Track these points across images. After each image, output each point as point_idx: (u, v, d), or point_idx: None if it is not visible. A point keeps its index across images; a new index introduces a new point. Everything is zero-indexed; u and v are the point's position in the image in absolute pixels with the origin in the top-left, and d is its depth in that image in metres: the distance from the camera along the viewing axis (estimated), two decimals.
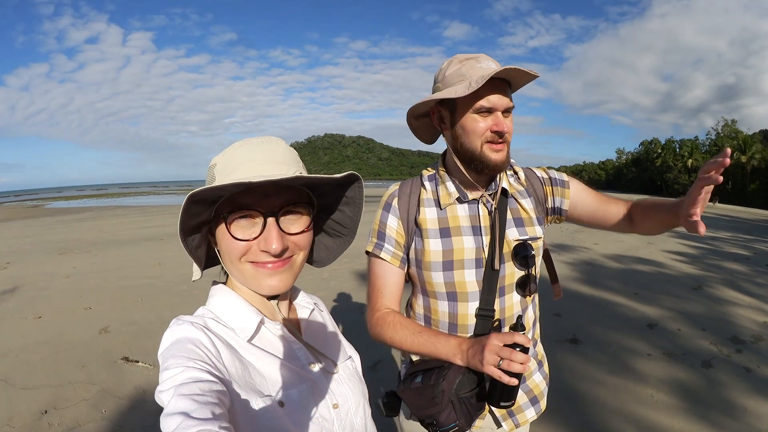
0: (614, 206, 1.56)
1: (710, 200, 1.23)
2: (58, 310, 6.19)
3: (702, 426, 3.62)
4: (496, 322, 1.47)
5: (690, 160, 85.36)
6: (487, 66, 1.33)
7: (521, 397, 1.54)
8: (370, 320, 1.55)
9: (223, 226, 0.87)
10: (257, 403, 0.79)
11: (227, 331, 0.88)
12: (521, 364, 1.18)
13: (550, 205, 1.58)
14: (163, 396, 0.70)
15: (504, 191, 1.49)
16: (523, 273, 1.47)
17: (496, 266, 1.43)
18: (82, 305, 6.34)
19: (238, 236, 0.85)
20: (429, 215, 1.51)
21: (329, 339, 1.08)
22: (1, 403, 3.71)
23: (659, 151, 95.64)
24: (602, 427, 3.59)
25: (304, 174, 0.88)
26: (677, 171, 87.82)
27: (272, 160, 0.87)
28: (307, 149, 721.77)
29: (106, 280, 7.95)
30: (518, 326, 1.26)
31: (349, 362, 1.07)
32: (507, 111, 1.37)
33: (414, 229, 1.53)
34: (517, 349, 1.20)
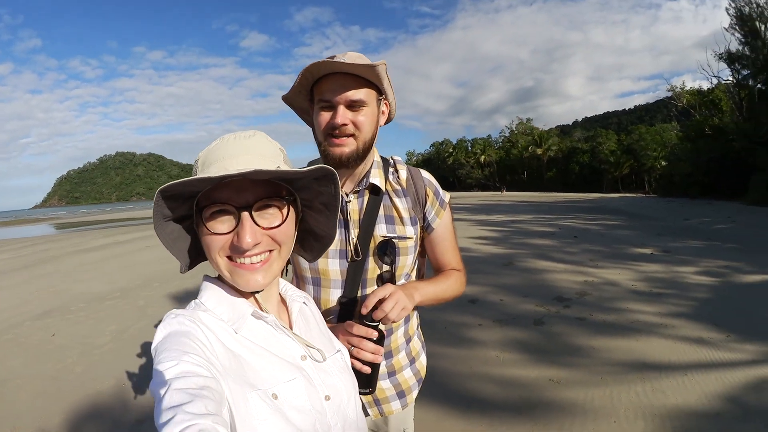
0: (443, 262, 1.66)
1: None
2: None
3: (558, 369, 3.96)
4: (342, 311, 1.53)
5: (483, 156, 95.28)
6: (325, 61, 1.33)
7: (389, 390, 1.59)
8: None
9: (201, 220, 0.87)
10: (251, 396, 0.79)
11: (219, 323, 0.88)
12: (372, 353, 1.25)
13: (427, 212, 1.59)
14: (156, 390, 0.69)
15: (375, 188, 1.51)
16: (386, 269, 1.50)
17: (353, 258, 1.48)
18: None
19: (213, 230, 0.86)
20: None
21: (317, 332, 1.09)
22: None
23: (451, 150, 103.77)
24: (464, 392, 3.73)
25: (284, 168, 0.87)
26: (469, 167, 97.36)
27: (249, 154, 0.88)
28: (99, 170, 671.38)
29: None
30: (368, 317, 1.30)
31: (339, 355, 1.07)
32: (355, 105, 1.37)
33: None
34: (374, 338, 1.27)
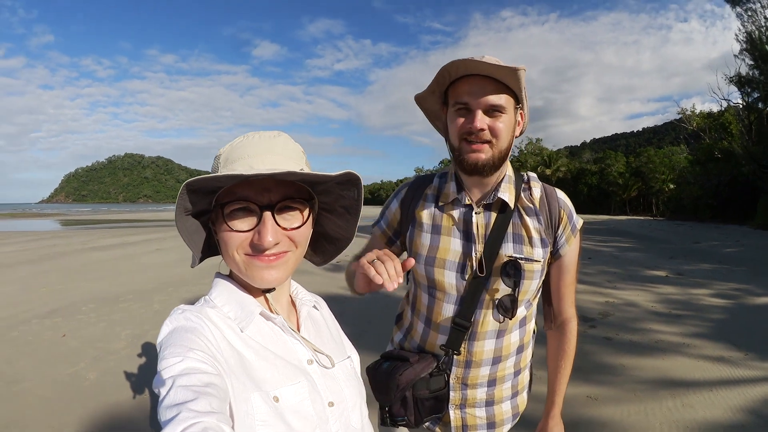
0: (561, 296, 1.55)
1: None
2: None
3: (590, 386, 4.14)
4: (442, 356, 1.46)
5: None
6: (467, 60, 1.26)
7: (480, 419, 1.52)
8: (348, 268, 1.57)
9: (221, 216, 0.87)
10: (253, 397, 0.79)
11: (226, 321, 0.88)
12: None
13: (558, 236, 1.47)
14: (160, 386, 0.70)
15: (503, 203, 1.42)
16: (508, 292, 1.39)
17: (476, 274, 1.41)
18: None
19: (234, 227, 0.86)
20: (426, 209, 1.51)
21: (328, 336, 1.08)
22: None
23: None
24: None
25: (306, 170, 0.88)
26: None
27: (275, 154, 0.88)
28: (107, 170, 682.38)
29: None
30: None
31: (348, 362, 1.06)
32: (492, 110, 1.31)
33: (411, 218, 1.53)
34: None
